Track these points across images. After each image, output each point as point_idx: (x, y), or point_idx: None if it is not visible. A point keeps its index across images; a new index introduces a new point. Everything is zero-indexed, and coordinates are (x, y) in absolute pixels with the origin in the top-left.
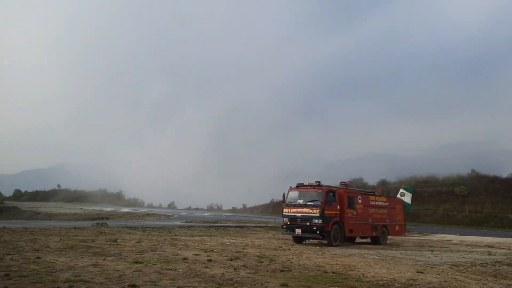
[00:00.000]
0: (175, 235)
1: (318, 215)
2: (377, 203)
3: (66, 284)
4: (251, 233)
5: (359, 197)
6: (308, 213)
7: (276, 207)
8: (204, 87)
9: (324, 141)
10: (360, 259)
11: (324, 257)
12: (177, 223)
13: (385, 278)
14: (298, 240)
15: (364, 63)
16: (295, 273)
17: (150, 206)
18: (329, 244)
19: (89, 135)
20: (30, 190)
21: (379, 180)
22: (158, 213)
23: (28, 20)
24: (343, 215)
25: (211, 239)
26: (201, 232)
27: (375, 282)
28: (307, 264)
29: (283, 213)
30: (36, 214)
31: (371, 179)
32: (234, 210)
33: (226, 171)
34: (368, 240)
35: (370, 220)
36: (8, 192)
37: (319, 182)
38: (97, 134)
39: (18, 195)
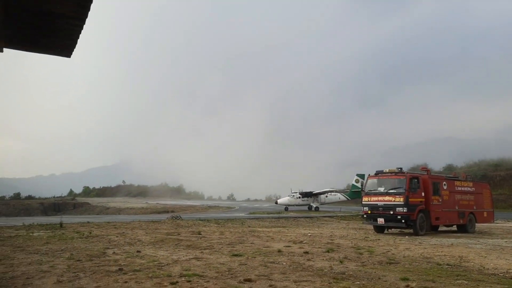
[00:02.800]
0: (249, 226)
1: (403, 203)
2: (463, 188)
3: (183, 279)
4: (323, 223)
5: (444, 183)
6: (391, 201)
7: None
8: (259, 78)
9: (383, 127)
10: (467, 250)
11: (425, 248)
12: (242, 214)
13: (511, 270)
14: (380, 229)
15: (426, 43)
16: (406, 266)
17: (210, 198)
18: (415, 234)
19: (149, 132)
20: (96, 186)
21: (445, 165)
22: (220, 205)
23: (95, 37)
24: (428, 202)
25: (288, 230)
26: (273, 223)
27: (502, 275)
28: (412, 256)
29: (363, 202)
30: (106, 209)
31: (437, 165)
32: None
33: (283, 161)
34: (453, 228)
35: (456, 207)
36: (76, 189)
37: (401, 168)
38: (157, 131)
39: (87, 192)
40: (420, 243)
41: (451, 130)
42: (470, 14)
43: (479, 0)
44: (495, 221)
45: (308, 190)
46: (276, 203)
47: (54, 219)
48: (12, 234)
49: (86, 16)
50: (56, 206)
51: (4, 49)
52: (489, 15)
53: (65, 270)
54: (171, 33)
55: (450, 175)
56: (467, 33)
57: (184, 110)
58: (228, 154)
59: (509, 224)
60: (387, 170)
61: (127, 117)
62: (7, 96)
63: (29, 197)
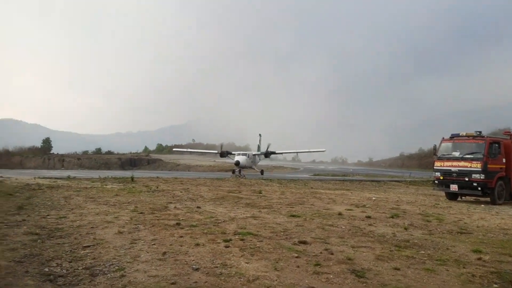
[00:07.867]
0: (312, 187)
1: (480, 169)
2: None
3: (237, 237)
4: (390, 188)
5: None
6: (466, 167)
7: (406, 160)
8: (326, 38)
9: (460, 89)
10: None
11: (502, 218)
12: (306, 175)
13: None
14: (452, 196)
15: None
16: (479, 237)
17: (275, 159)
18: (492, 203)
19: (216, 92)
20: (168, 144)
21: None
22: (284, 165)
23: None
24: (509, 169)
25: (352, 193)
26: (337, 186)
27: None
28: (487, 226)
29: (435, 167)
30: (177, 166)
31: None
32: (359, 163)
33: (350, 124)
34: None
35: None
36: (150, 146)
37: (479, 132)
38: (224, 91)
39: (160, 149)
40: (497, 212)
41: None
42: None
43: None
44: None
45: (271, 150)
46: (238, 164)
47: (128, 173)
48: (88, 186)
49: None
50: (132, 161)
51: None
52: None
53: (127, 221)
54: None
55: None
56: None
57: (250, 69)
58: (294, 115)
59: None
60: (464, 134)
61: (193, 78)
62: (102, 62)
63: (109, 152)
